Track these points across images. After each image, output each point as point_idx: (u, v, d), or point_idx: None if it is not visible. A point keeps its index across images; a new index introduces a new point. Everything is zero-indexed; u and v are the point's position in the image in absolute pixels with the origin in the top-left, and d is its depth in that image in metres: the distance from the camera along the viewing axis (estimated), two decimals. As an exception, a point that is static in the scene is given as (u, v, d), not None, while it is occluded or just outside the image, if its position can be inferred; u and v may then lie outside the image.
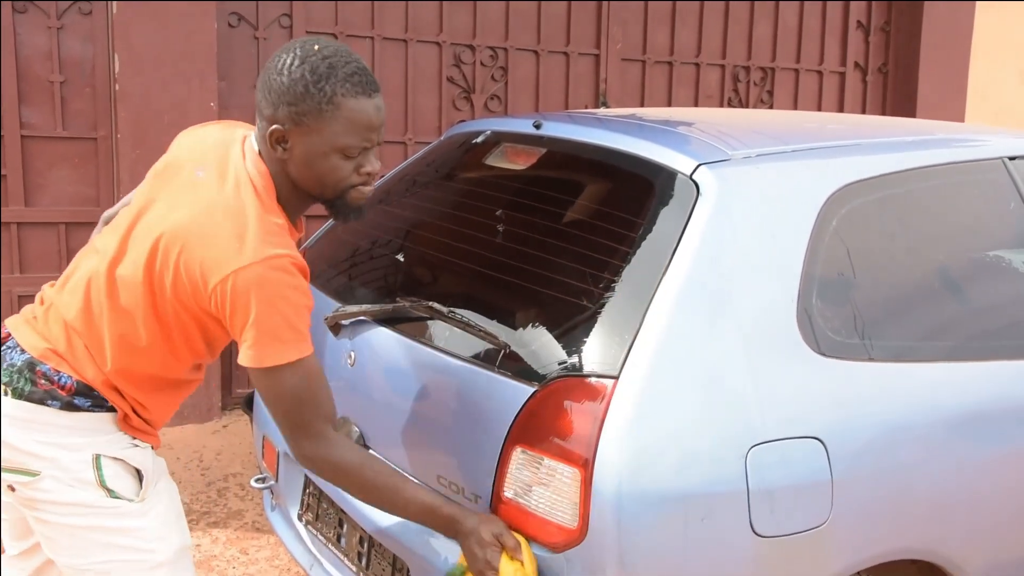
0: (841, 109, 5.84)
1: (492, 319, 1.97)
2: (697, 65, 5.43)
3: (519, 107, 5.03)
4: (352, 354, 2.23)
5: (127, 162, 4.05)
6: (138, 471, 1.84)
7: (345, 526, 2.30)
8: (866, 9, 5.84)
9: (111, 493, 1.79)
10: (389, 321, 2.16)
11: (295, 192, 1.80)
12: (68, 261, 4.16)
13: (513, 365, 1.86)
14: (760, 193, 1.97)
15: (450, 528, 1.82)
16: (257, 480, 2.70)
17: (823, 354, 1.88)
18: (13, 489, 1.79)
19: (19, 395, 1.76)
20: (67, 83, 4.10)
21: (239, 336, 1.70)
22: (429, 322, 2.07)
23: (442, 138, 2.87)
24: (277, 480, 2.61)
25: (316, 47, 1.72)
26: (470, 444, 1.89)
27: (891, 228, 2.13)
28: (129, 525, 1.82)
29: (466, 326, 1.97)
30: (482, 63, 4.91)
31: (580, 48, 5.12)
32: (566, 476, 1.71)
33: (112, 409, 1.81)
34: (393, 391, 2.12)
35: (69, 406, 1.77)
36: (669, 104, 5.39)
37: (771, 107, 5.65)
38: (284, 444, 2.50)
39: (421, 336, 2.06)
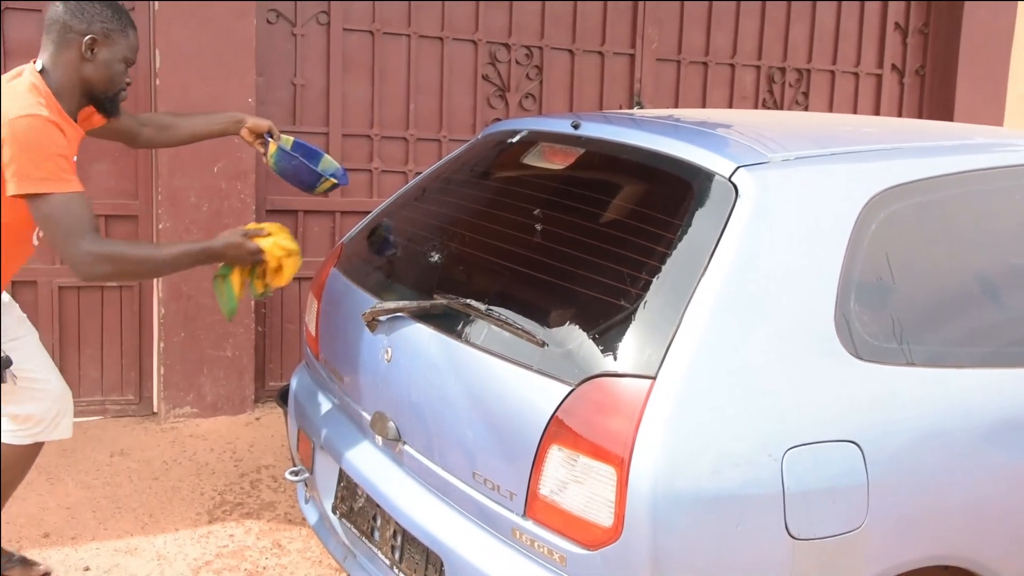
0: (877, 112, 5.79)
1: (529, 317, 1.98)
2: (732, 66, 5.41)
3: (553, 106, 5.04)
4: (389, 350, 2.25)
5: (165, 156, 4.09)
6: None
7: (379, 519, 2.33)
8: (904, 11, 5.79)
9: None
10: (426, 318, 2.18)
11: (79, 89, 2.48)
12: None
13: (550, 363, 1.87)
14: (799, 196, 1.97)
15: (209, 255, 2.45)
16: (292, 473, 2.73)
17: (860, 358, 1.88)
18: None
19: None
20: (109, 78, 4.16)
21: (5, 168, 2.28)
22: (466, 319, 2.09)
23: (478, 136, 2.89)
24: (312, 473, 2.64)
25: None
26: (506, 441, 1.91)
27: (930, 233, 2.12)
28: None
29: (503, 324, 1.99)
30: (517, 62, 4.92)
31: (615, 48, 5.11)
32: (602, 475, 1.72)
33: None
34: (429, 387, 2.14)
35: None
36: (704, 105, 5.38)
37: (806, 109, 5.62)
38: (320, 438, 2.53)
39: (458, 333, 2.08)
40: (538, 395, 1.86)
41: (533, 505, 1.84)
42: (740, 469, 1.73)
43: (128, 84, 2.57)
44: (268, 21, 4.42)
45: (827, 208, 1.98)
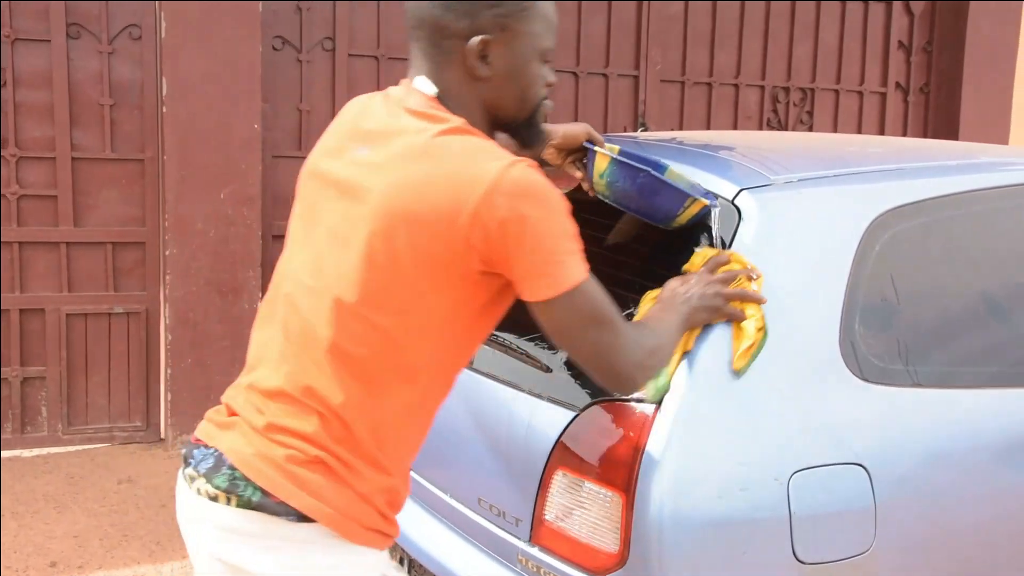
0: (882, 130, 5.79)
1: (534, 343, 1.98)
2: (736, 86, 5.43)
3: (558, 128, 5.05)
4: (394, 375, 2.25)
5: (172, 182, 4.12)
6: None
7: (385, 546, 2.32)
8: (908, 29, 5.80)
9: None
10: (431, 343, 2.18)
11: (481, 119, 1.51)
12: (114, 279, 4.23)
13: (555, 389, 1.87)
14: (802, 218, 1.97)
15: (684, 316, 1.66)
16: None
17: (866, 380, 1.87)
18: None
19: (246, 504, 1.38)
20: (116, 106, 4.19)
21: (521, 266, 1.42)
22: (471, 345, 2.09)
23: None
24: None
25: None
26: (512, 467, 1.90)
27: (935, 254, 2.11)
28: None
29: (507, 349, 1.99)
30: (521, 85, 4.94)
31: (619, 69, 5.13)
32: (607, 500, 1.72)
33: None
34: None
35: (304, 517, 1.37)
36: (708, 125, 5.39)
37: (811, 128, 5.63)
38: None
39: (463, 358, 2.08)
40: (543, 421, 1.85)
41: (539, 531, 1.83)
42: (746, 493, 1.72)
43: (550, 86, 1.58)
44: (273, 48, 4.46)
45: (830, 230, 1.97)
